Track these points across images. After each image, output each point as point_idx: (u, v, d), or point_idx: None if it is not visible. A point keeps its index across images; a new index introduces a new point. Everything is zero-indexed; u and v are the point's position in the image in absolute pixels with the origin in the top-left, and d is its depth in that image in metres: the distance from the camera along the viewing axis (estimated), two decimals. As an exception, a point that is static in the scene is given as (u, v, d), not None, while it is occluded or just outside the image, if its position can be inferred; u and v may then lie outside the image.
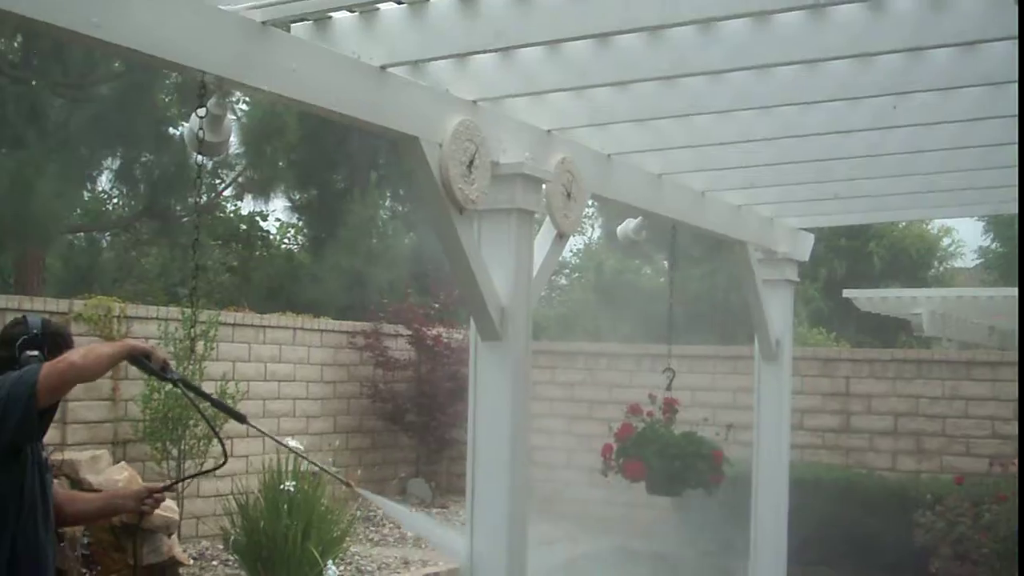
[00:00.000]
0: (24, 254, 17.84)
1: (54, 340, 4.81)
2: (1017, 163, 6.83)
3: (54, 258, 21.17)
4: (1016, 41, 4.94)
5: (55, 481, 5.02)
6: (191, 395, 4.99)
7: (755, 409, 9.99)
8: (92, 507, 5.23)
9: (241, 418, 5.19)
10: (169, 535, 9.86)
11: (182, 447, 11.97)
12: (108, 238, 23.27)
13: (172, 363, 4.90)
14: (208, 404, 5.12)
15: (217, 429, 5.12)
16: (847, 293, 21.56)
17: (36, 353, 4.68)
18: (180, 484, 5.33)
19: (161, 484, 5.51)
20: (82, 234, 21.90)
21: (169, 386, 11.73)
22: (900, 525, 11.64)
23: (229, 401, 12.21)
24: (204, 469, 5.64)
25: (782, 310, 10.02)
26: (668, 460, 8.02)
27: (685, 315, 21.66)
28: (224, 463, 5.37)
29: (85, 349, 4.52)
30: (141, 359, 4.70)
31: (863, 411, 14.45)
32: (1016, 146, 6.46)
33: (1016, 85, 5.65)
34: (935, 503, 10.86)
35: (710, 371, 15.14)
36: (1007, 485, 10.43)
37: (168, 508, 9.33)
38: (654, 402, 8.45)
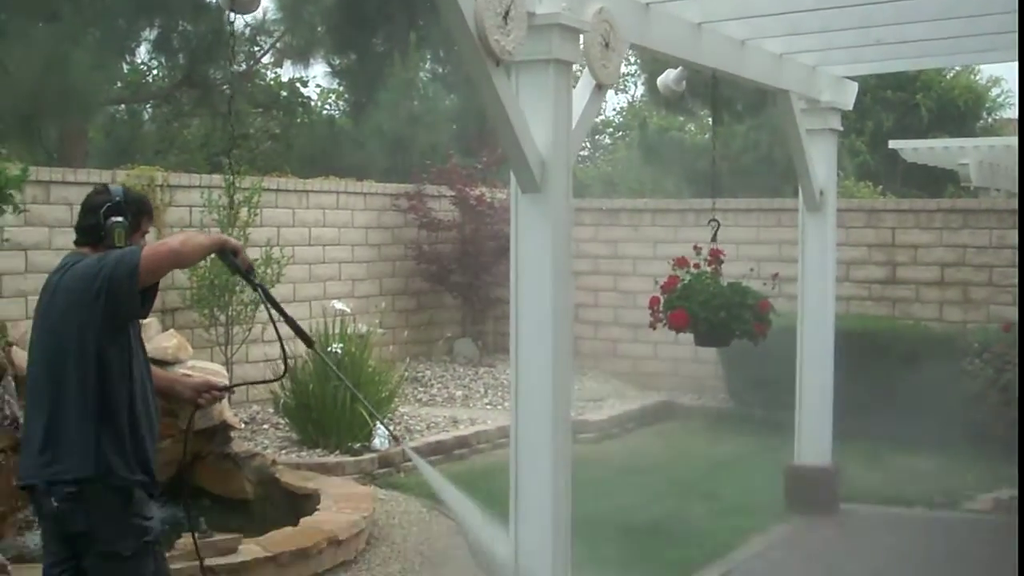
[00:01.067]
0: (66, 127, 17.83)
1: (136, 207, 5.06)
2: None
3: (96, 131, 21.17)
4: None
5: None
6: (268, 305, 5.17)
7: (800, 260, 9.95)
8: (156, 385, 5.27)
9: (310, 342, 5.36)
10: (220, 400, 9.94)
11: (229, 313, 12.05)
12: (149, 109, 23.21)
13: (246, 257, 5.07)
14: (280, 319, 5.19)
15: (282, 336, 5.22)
16: (893, 144, 21.29)
17: (120, 219, 4.94)
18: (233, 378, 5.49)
19: (222, 384, 5.67)
20: (123, 106, 21.85)
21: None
22: (947, 374, 11.62)
23: (275, 266, 12.28)
24: (266, 379, 5.81)
25: (826, 160, 9.93)
26: (713, 310, 8.01)
27: (730, 170, 21.56)
28: (285, 374, 5.64)
29: (184, 236, 4.87)
30: (229, 255, 4.94)
31: (909, 262, 14.36)
32: None
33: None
34: (982, 351, 10.82)
35: (755, 224, 15.04)
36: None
37: (218, 373, 9.38)
38: (699, 254, 8.43)
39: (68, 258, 5.03)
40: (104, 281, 4.71)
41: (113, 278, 4.69)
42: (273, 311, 5.12)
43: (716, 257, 8.38)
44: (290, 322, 5.18)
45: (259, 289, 5.08)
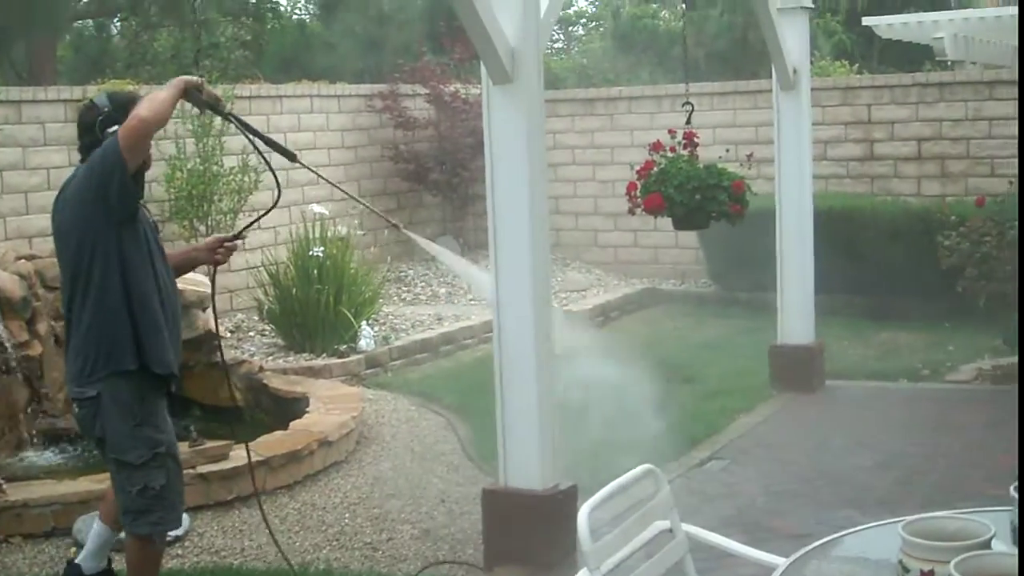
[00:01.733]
0: (34, 46, 17.67)
1: (126, 108, 5.08)
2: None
3: (65, 48, 21.00)
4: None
5: None
6: (244, 130, 5.38)
7: (775, 140, 9.95)
8: (173, 263, 5.50)
9: (291, 156, 5.60)
10: (203, 309, 9.96)
11: (209, 223, 12.03)
12: (117, 23, 23.01)
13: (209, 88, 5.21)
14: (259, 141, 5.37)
15: (268, 161, 5.54)
16: (867, 21, 21.17)
17: (116, 128, 5.00)
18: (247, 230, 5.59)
19: (231, 236, 5.82)
20: (90, 21, 21.67)
21: (190, 164, 11.82)
22: (926, 249, 11.68)
23: (252, 174, 12.23)
24: (264, 212, 5.92)
25: (799, 38, 9.89)
26: (688, 193, 8.03)
27: (705, 55, 21.48)
28: (279, 199, 5.82)
29: (146, 100, 4.99)
30: (194, 92, 5.11)
31: (886, 138, 14.34)
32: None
33: None
34: (959, 225, 10.86)
35: (731, 107, 15.00)
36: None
37: (199, 283, 9.39)
38: (674, 138, 8.42)
39: (69, 177, 5.20)
40: (96, 178, 4.93)
41: (104, 173, 4.89)
42: (254, 138, 5.41)
43: (691, 140, 8.38)
44: (266, 139, 5.42)
45: (231, 118, 5.29)
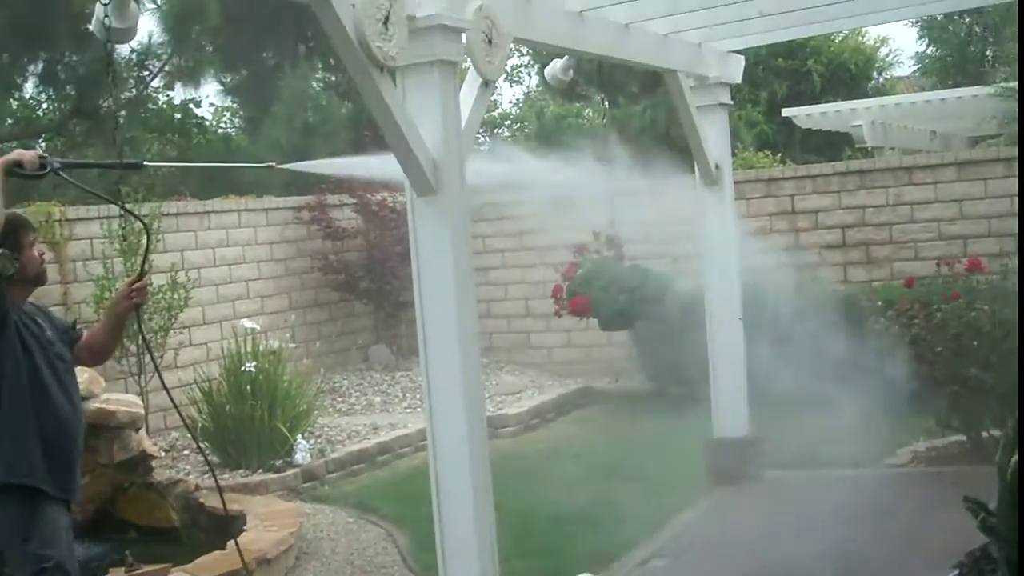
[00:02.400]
0: (-43, 167, 17.57)
1: (6, 229, 5.03)
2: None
3: (-11, 170, 20.87)
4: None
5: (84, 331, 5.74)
6: (79, 179, 5.48)
7: (702, 235, 10.06)
8: (107, 330, 5.80)
9: (137, 165, 5.80)
10: (136, 430, 9.86)
11: (139, 343, 11.94)
12: (43, 143, 22.94)
13: (32, 159, 5.12)
14: (101, 172, 5.46)
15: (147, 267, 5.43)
16: (786, 112, 21.58)
17: (2, 251, 5.09)
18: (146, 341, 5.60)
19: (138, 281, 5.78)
20: (15, 142, 21.57)
21: (119, 283, 11.74)
22: (856, 334, 11.78)
23: (181, 291, 12.19)
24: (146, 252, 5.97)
25: (719, 134, 10.05)
26: (614, 295, 8.08)
27: (629, 152, 21.67)
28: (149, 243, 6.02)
29: None
30: (14, 169, 4.99)
31: (811, 227, 14.52)
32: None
33: None
34: (887, 309, 10.98)
35: (655, 204, 15.10)
36: (954, 284, 10.57)
37: (131, 403, 9.34)
38: (598, 238, 8.50)
39: None
40: None
41: None
42: (83, 173, 5.40)
43: (614, 240, 8.46)
44: (105, 165, 5.52)
45: (60, 171, 5.17)
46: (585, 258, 8.39)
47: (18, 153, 5.04)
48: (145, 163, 5.32)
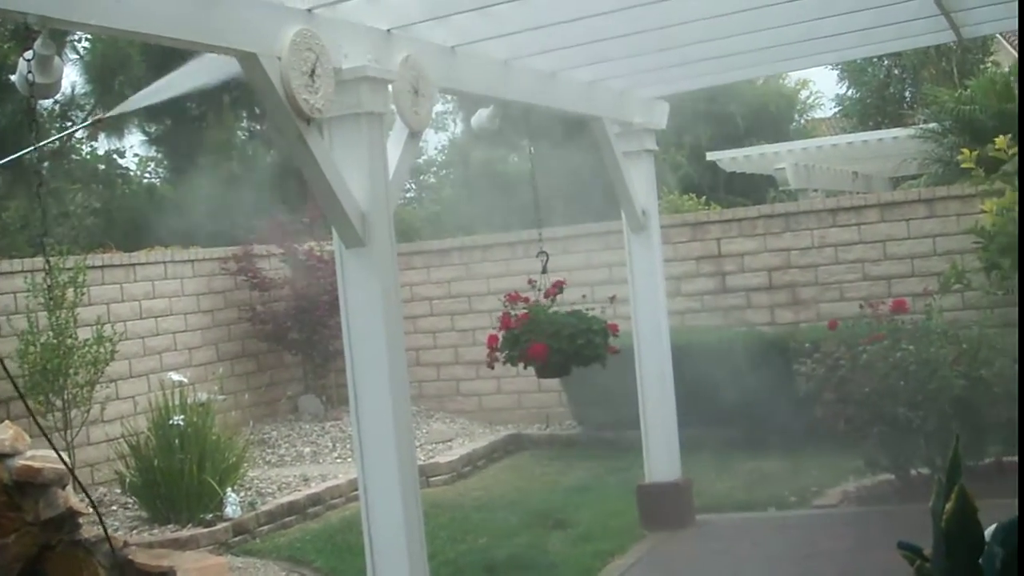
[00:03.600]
0: None
1: None
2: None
3: (-91, 223, 20.65)
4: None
5: None
6: None
7: (629, 281, 10.10)
8: None
9: None
10: (63, 487, 9.72)
11: (65, 397, 11.80)
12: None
13: None
14: None
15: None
16: (711, 156, 21.79)
17: None
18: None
19: None
20: (-66, 195, 21.35)
21: (44, 338, 11.61)
22: (783, 377, 11.87)
23: (107, 344, 12.07)
24: None
25: (645, 180, 10.10)
26: (568, 340, 8.09)
27: (555, 197, 21.75)
28: None
29: None
30: None
31: (737, 270, 14.63)
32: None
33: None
34: (814, 351, 11.07)
35: (584, 249, 15.19)
36: (879, 325, 10.66)
37: (57, 460, 9.20)
38: (534, 287, 8.50)
39: None
40: None
41: None
42: None
43: (559, 287, 8.47)
44: None
45: None
46: (531, 307, 8.37)
47: None
48: None
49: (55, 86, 5.00)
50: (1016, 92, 14.87)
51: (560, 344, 8.08)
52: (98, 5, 4.60)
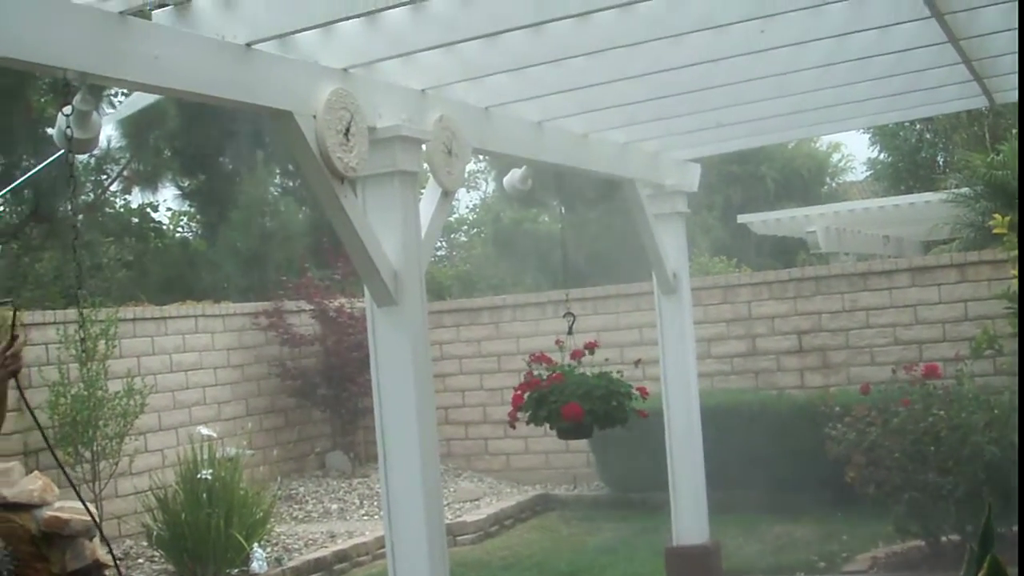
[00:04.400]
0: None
1: None
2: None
3: (-56, 273, 20.81)
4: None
5: None
6: None
7: (659, 343, 10.08)
8: None
9: None
10: (91, 539, 9.77)
11: (94, 449, 11.84)
12: (-1, 245, 22.89)
13: None
14: None
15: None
16: (742, 219, 21.77)
17: None
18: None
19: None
20: (-31, 243, 21.51)
21: (75, 390, 11.66)
22: (813, 440, 11.80)
23: (137, 397, 12.11)
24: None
25: (676, 243, 10.11)
26: (598, 400, 8.07)
27: (585, 258, 21.80)
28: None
29: None
30: None
31: (767, 333, 14.60)
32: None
33: None
34: (844, 415, 11.01)
35: (613, 311, 15.20)
36: (911, 389, 10.61)
37: (84, 512, 9.22)
38: (562, 348, 8.48)
39: None
40: None
41: None
42: None
43: (590, 348, 8.45)
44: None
45: None
46: (562, 367, 8.34)
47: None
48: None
49: (93, 141, 5.03)
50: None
51: (592, 405, 8.06)
52: (137, 62, 4.65)
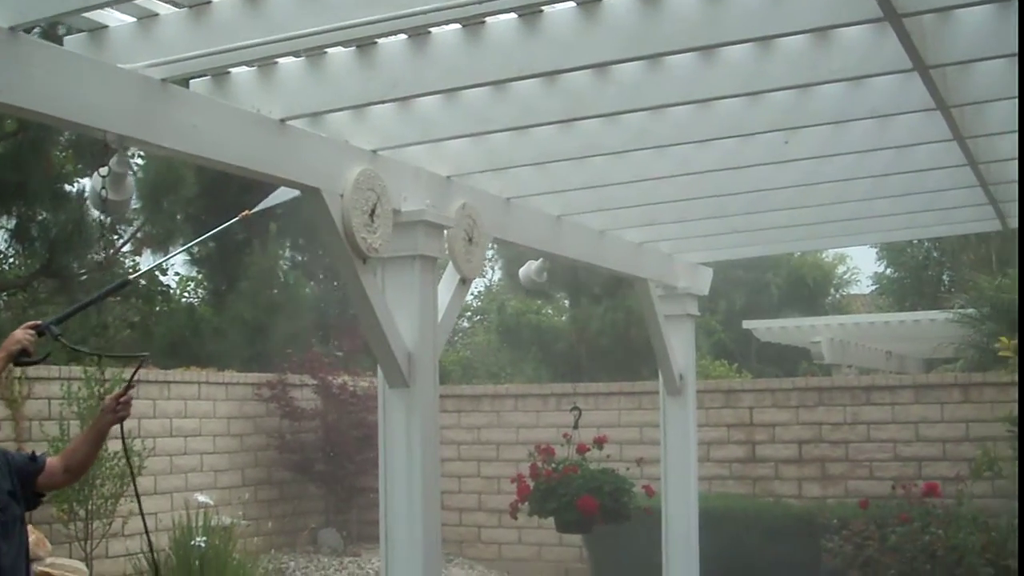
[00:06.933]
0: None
1: None
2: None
3: (-50, 321, 20.83)
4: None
5: (47, 458, 5.48)
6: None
7: (662, 443, 10.07)
8: (88, 443, 5.54)
9: (124, 283, 5.57)
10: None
11: (89, 507, 11.82)
12: (5, 298, 22.92)
13: (32, 339, 5.16)
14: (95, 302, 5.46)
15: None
16: (747, 324, 21.80)
17: None
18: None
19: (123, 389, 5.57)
20: (-25, 296, 21.57)
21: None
22: (809, 551, 11.79)
23: (136, 458, 12.10)
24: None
25: (684, 344, 10.14)
26: (608, 496, 8.09)
27: (589, 352, 21.83)
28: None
29: None
30: (21, 358, 5.12)
31: (767, 440, 14.60)
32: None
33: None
34: (841, 528, 11.01)
35: (615, 407, 15.20)
36: (909, 507, 10.61)
37: (76, 569, 9.22)
38: (569, 441, 8.52)
39: None
40: None
41: None
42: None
43: (598, 443, 8.48)
44: (100, 296, 5.72)
45: (57, 337, 5.24)
46: (575, 461, 8.38)
47: (21, 337, 5.05)
48: (130, 277, 5.35)
49: (126, 203, 5.10)
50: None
51: (602, 499, 8.08)
52: (177, 130, 4.73)
